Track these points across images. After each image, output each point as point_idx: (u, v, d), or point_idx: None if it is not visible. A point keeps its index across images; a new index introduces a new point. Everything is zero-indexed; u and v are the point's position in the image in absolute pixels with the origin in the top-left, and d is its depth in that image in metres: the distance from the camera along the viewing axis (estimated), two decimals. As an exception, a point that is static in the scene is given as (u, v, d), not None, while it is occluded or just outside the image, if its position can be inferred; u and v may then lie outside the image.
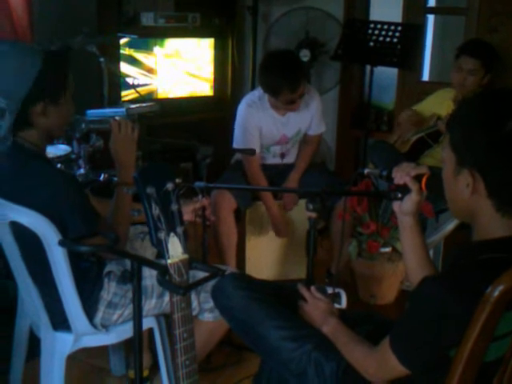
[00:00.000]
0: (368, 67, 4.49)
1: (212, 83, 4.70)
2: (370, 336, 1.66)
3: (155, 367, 2.45)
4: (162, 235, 1.31)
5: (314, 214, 1.85)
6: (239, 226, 3.39)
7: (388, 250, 2.69)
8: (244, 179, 3.33)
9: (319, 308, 1.78)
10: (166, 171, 1.35)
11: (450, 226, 2.97)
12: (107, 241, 1.46)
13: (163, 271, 1.31)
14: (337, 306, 2.34)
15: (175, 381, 1.42)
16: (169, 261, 1.33)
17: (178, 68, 4.50)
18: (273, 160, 3.48)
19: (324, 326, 1.73)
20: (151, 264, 1.42)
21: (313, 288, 1.85)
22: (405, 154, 3.58)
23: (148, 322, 2.17)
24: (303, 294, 1.84)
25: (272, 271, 3.54)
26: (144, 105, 3.15)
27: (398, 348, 1.41)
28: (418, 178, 1.61)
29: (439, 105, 3.60)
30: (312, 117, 3.39)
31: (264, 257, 3.52)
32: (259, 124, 3.28)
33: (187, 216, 2.24)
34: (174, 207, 1.33)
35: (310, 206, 1.84)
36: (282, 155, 3.47)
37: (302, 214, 3.43)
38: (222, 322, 2.30)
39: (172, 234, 1.32)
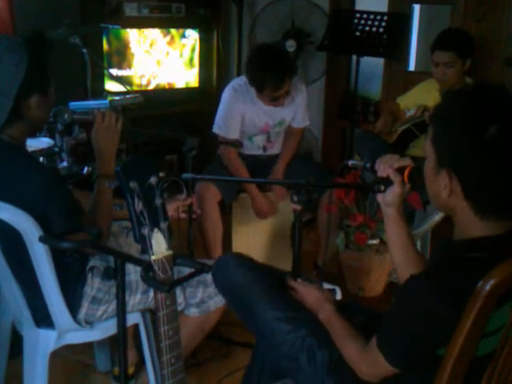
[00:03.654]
0: (354, 57, 4.47)
1: (197, 74, 4.66)
2: (363, 327, 1.64)
3: (141, 364, 2.42)
4: (145, 231, 1.27)
5: (298, 207, 1.82)
6: (225, 218, 3.37)
7: (376, 241, 2.68)
8: (228, 171, 3.30)
9: (313, 295, 1.77)
10: (150, 165, 1.31)
11: (438, 216, 2.96)
12: (90, 236, 1.42)
13: (147, 268, 1.27)
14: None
15: (161, 379, 1.39)
16: (153, 257, 1.29)
17: (162, 59, 4.45)
18: (256, 151, 3.45)
19: (319, 313, 1.72)
20: (135, 260, 1.39)
21: (300, 280, 1.84)
22: (392, 144, 3.57)
23: (133, 318, 2.14)
24: (292, 285, 1.82)
25: (258, 264, 3.51)
26: (128, 96, 3.11)
27: (384, 346, 1.40)
28: (400, 171, 1.60)
29: (426, 95, 3.58)
30: (297, 109, 3.37)
31: (250, 249, 3.45)
32: (243, 110, 3.24)
33: (171, 213, 2.21)
34: (158, 202, 1.29)
35: (295, 198, 1.81)
36: (264, 148, 3.45)
37: (288, 205, 3.44)
38: (209, 317, 2.29)
39: (156, 230, 1.29)
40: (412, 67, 4.61)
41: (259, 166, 3.37)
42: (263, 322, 1.73)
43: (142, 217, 1.27)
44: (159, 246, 1.29)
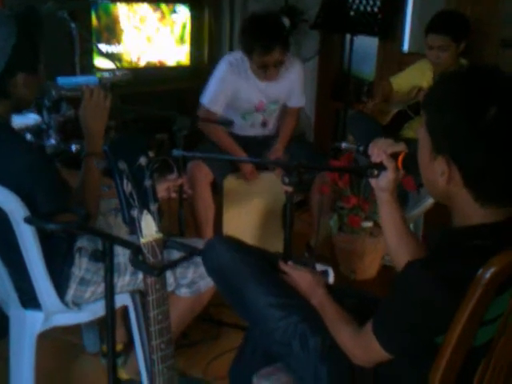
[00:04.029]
0: (348, 37, 4.41)
1: (188, 52, 4.58)
2: (355, 310, 1.62)
3: (130, 343, 2.39)
4: (134, 213, 1.22)
5: (289, 188, 1.78)
6: (216, 198, 3.33)
7: (369, 224, 2.64)
8: (221, 150, 3.25)
9: (306, 279, 1.74)
10: (139, 144, 1.26)
11: (431, 199, 2.93)
12: (77, 217, 1.38)
13: (136, 251, 1.23)
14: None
15: (150, 364, 1.35)
16: (142, 240, 1.25)
17: (152, 36, 4.37)
18: (251, 131, 3.39)
19: (311, 297, 1.69)
20: (123, 243, 1.34)
21: (290, 263, 1.80)
22: (385, 125, 3.53)
23: (122, 299, 2.10)
24: (284, 269, 1.79)
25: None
26: (117, 73, 3.06)
27: (380, 333, 1.37)
28: (394, 156, 1.56)
29: (420, 76, 3.54)
30: (292, 87, 3.31)
31: (242, 230, 3.46)
32: (236, 85, 3.18)
33: (162, 193, 2.17)
34: (148, 183, 1.24)
35: (286, 180, 1.77)
36: (264, 123, 3.39)
37: (276, 187, 3.39)
38: (199, 297, 2.26)
39: (145, 212, 1.24)
40: (406, 48, 4.56)
41: (253, 147, 3.32)
42: (255, 308, 1.70)
43: (131, 198, 1.22)
44: (149, 228, 1.25)
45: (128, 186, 1.22)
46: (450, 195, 1.33)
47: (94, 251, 1.36)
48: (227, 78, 3.17)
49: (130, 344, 2.42)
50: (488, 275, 1.18)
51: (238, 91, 3.20)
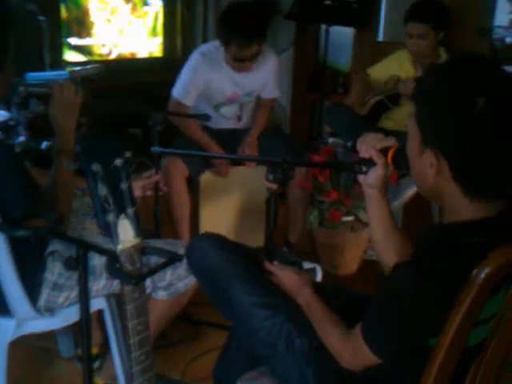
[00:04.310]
0: (323, 27, 4.35)
1: (161, 44, 4.48)
2: (343, 311, 1.57)
3: (106, 345, 2.31)
4: (110, 218, 1.14)
5: (274, 186, 1.70)
6: (192, 195, 3.26)
7: (350, 218, 2.59)
8: (195, 145, 3.17)
9: (292, 279, 1.68)
10: (115, 144, 1.18)
11: (411, 191, 2.90)
12: (48, 222, 1.29)
13: (113, 259, 1.15)
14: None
15: (130, 377, 1.28)
16: (119, 247, 1.17)
17: (124, 28, 4.26)
18: (225, 124, 3.32)
19: (298, 297, 1.63)
20: (99, 250, 1.26)
21: (276, 263, 1.74)
22: (364, 116, 3.48)
23: (97, 304, 2.02)
24: (270, 268, 1.73)
25: (228, 241, 3.41)
26: (88, 67, 2.96)
27: (370, 337, 1.32)
28: (384, 151, 1.51)
29: (398, 66, 3.50)
30: (267, 79, 3.25)
31: (219, 226, 3.39)
32: (209, 76, 3.11)
33: (137, 192, 2.09)
34: (124, 186, 1.16)
35: (271, 177, 1.69)
36: (239, 117, 3.32)
37: (257, 179, 3.34)
38: (178, 300, 2.19)
39: (122, 217, 1.16)
40: (382, 37, 4.51)
41: (227, 141, 3.25)
42: (239, 308, 1.64)
43: (107, 202, 1.14)
44: (126, 234, 1.17)
45: (103, 190, 1.13)
46: (439, 190, 1.28)
47: (67, 259, 1.27)
48: (199, 68, 3.10)
49: (105, 346, 2.35)
50: (483, 275, 1.13)
51: (210, 82, 3.13)
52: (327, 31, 4.20)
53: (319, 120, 4.64)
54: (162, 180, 2.47)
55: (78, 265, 1.25)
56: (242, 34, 2.90)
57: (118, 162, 1.15)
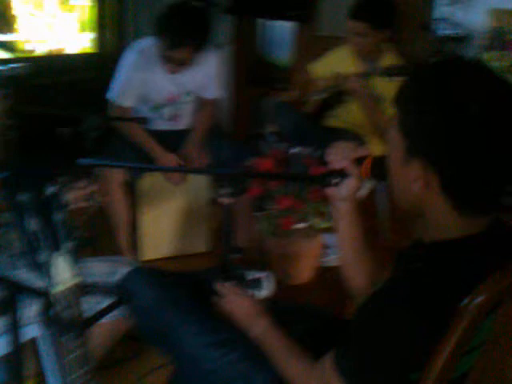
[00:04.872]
0: (262, 21, 4.23)
1: (92, 39, 4.24)
2: (309, 334, 1.46)
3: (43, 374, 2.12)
4: (42, 257, 0.96)
5: (228, 200, 1.52)
6: (131, 200, 3.08)
7: (303, 225, 2.46)
8: (134, 148, 2.99)
9: (244, 308, 1.49)
10: (44, 168, 1.00)
11: (364, 191, 2.80)
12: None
13: (46, 305, 0.97)
14: (256, 293, 2.10)
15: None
16: (54, 290, 0.99)
17: (52, 22, 4.00)
18: (163, 125, 3.15)
19: (251, 328, 1.45)
20: (30, 292, 1.08)
21: (231, 284, 1.56)
22: (308, 114, 3.36)
23: (30, 332, 1.81)
24: (222, 291, 1.54)
25: (170, 247, 3.29)
26: (15, 66, 2.76)
27: (345, 371, 1.17)
28: (358, 162, 1.37)
29: (340, 62, 3.39)
30: (208, 78, 3.11)
31: (160, 232, 3.24)
32: (145, 75, 2.94)
33: (70, 204, 1.90)
34: (58, 217, 0.98)
35: (223, 191, 1.50)
36: (172, 119, 3.16)
37: (197, 183, 3.20)
38: (120, 322, 2.01)
39: (56, 254, 0.98)
40: (323, 31, 4.41)
41: (167, 142, 3.08)
42: (188, 350, 1.47)
43: (37, 239, 0.96)
44: (62, 273, 0.99)
45: (32, 224, 0.95)
46: (424, 204, 1.15)
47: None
48: (135, 66, 2.93)
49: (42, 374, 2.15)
50: (476, 304, 1.01)
51: (147, 82, 2.96)
52: (266, 25, 4.07)
53: (260, 116, 4.51)
54: (99, 190, 2.28)
55: (7, 309, 1.06)
56: (172, 34, 2.77)
57: (50, 190, 0.96)
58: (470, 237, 1.13)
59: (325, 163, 1.40)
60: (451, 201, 1.11)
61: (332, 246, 2.60)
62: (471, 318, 1.02)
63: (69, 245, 0.99)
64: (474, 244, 1.13)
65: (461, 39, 6.26)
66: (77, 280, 1.01)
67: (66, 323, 0.97)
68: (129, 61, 2.95)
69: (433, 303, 1.07)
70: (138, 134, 2.97)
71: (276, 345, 1.39)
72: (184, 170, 2.89)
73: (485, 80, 1.09)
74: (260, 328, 1.44)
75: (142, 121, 2.72)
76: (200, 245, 3.33)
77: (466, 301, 1.03)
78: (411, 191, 1.14)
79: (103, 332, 1.98)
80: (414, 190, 1.13)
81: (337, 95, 3.34)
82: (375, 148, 3.29)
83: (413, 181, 1.12)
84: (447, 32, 6.06)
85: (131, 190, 3.11)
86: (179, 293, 1.57)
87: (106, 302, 1.04)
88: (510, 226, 1.18)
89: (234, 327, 1.48)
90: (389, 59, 3.25)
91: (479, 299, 1.02)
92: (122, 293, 1.56)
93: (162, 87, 3.01)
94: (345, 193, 1.42)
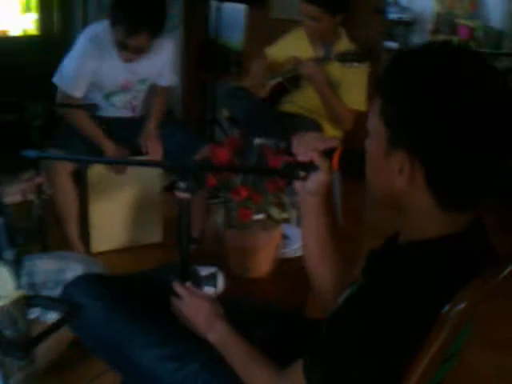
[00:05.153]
0: (214, 4, 4.10)
1: (36, 20, 4.05)
2: (272, 338, 1.38)
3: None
4: (-20, 269, 0.86)
5: (187, 195, 1.40)
6: (80, 190, 2.95)
7: (262, 217, 2.38)
8: (82, 137, 2.85)
9: (202, 310, 1.39)
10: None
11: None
12: None
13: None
14: (211, 289, 2.01)
15: None
16: (-5, 305, 0.88)
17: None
18: (117, 112, 3.02)
19: (210, 334, 1.35)
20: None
21: (189, 285, 1.46)
22: (263, 100, 3.27)
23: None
24: (179, 292, 1.43)
25: (122, 238, 3.17)
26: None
27: (315, 379, 1.10)
28: (327, 154, 1.29)
29: (296, 46, 3.31)
30: (163, 65, 3.00)
31: (111, 223, 3.13)
32: (99, 62, 2.80)
33: (15, 197, 1.78)
34: (-1, 223, 0.87)
35: (183, 185, 1.38)
36: (133, 108, 3.06)
37: (148, 171, 3.09)
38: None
39: (-3, 265, 0.88)
40: (277, 14, 4.32)
41: (119, 130, 2.95)
42: (141, 366, 1.36)
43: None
44: (3, 286, 0.88)
45: (-32, 232, 0.84)
46: (405, 199, 1.08)
47: None
48: (87, 55, 2.78)
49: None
50: (455, 314, 0.94)
51: (100, 69, 2.82)
52: (218, 8, 3.96)
53: (212, 101, 4.41)
54: (46, 181, 2.15)
55: None
56: (128, 19, 2.63)
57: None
58: (448, 236, 1.06)
59: (291, 154, 1.31)
60: (435, 196, 1.04)
61: (291, 236, 2.52)
62: (452, 325, 0.96)
63: (11, 253, 0.88)
64: (451, 245, 1.06)
65: (409, 23, 6.30)
66: (20, 292, 0.90)
67: (9, 343, 0.87)
68: (81, 49, 2.80)
69: (409, 312, 1.00)
70: (84, 123, 2.83)
71: (238, 352, 1.30)
72: (137, 163, 2.78)
73: (473, 67, 1.02)
74: (219, 332, 1.35)
75: (92, 108, 2.58)
76: (153, 235, 3.22)
77: (446, 308, 0.96)
78: (393, 184, 1.06)
79: (49, 341, 1.87)
80: (397, 183, 1.06)
81: (293, 79, 3.26)
82: (331, 134, 3.23)
83: (397, 173, 1.05)
84: (396, 16, 6.09)
85: (80, 181, 2.99)
86: (131, 301, 1.46)
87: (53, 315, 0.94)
88: (487, 227, 1.12)
89: (192, 334, 1.39)
90: (344, 44, 3.19)
91: (460, 306, 0.95)
92: (68, 306, 1.43)
93: (116, 75, 2.88)
94: (314, 187, 1.32)
